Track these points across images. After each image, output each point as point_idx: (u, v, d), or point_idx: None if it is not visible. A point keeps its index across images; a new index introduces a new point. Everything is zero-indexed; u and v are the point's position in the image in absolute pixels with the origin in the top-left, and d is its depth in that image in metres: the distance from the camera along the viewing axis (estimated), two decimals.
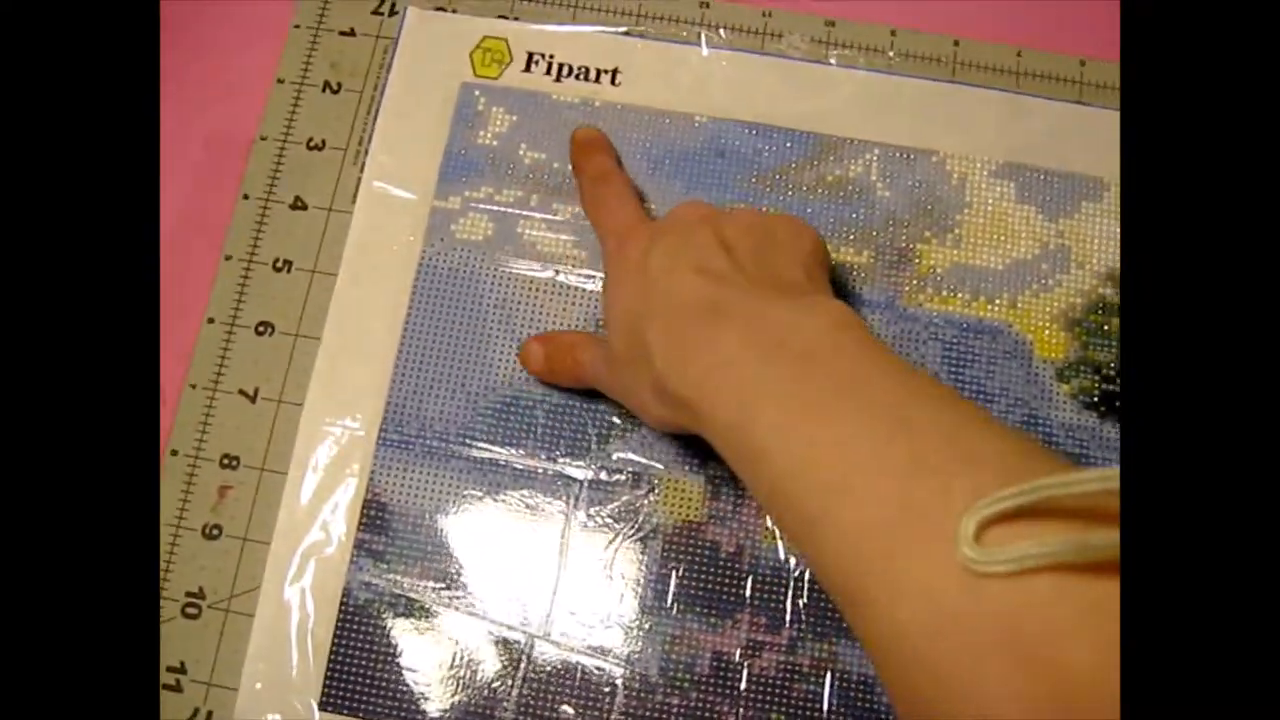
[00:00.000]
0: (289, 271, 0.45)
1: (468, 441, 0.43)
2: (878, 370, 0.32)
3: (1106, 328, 0.44)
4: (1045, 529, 0.25)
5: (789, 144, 0.46)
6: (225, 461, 0.43)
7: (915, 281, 0.45)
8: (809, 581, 0.41)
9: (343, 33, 0.48)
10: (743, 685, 0.40)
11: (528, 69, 0.47)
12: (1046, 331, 0.44)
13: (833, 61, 0.47)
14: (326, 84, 0.47)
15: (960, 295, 0.44)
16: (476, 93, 0.47)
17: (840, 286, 0.44)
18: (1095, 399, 0.43)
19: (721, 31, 0.48)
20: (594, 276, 0.45)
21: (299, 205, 0.46)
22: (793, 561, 0.42)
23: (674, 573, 0.42)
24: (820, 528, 0.29)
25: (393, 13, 0.48)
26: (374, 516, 0.42)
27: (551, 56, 0.47)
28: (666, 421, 0.37)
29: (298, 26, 0.48)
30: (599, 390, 0.42)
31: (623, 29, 0.48)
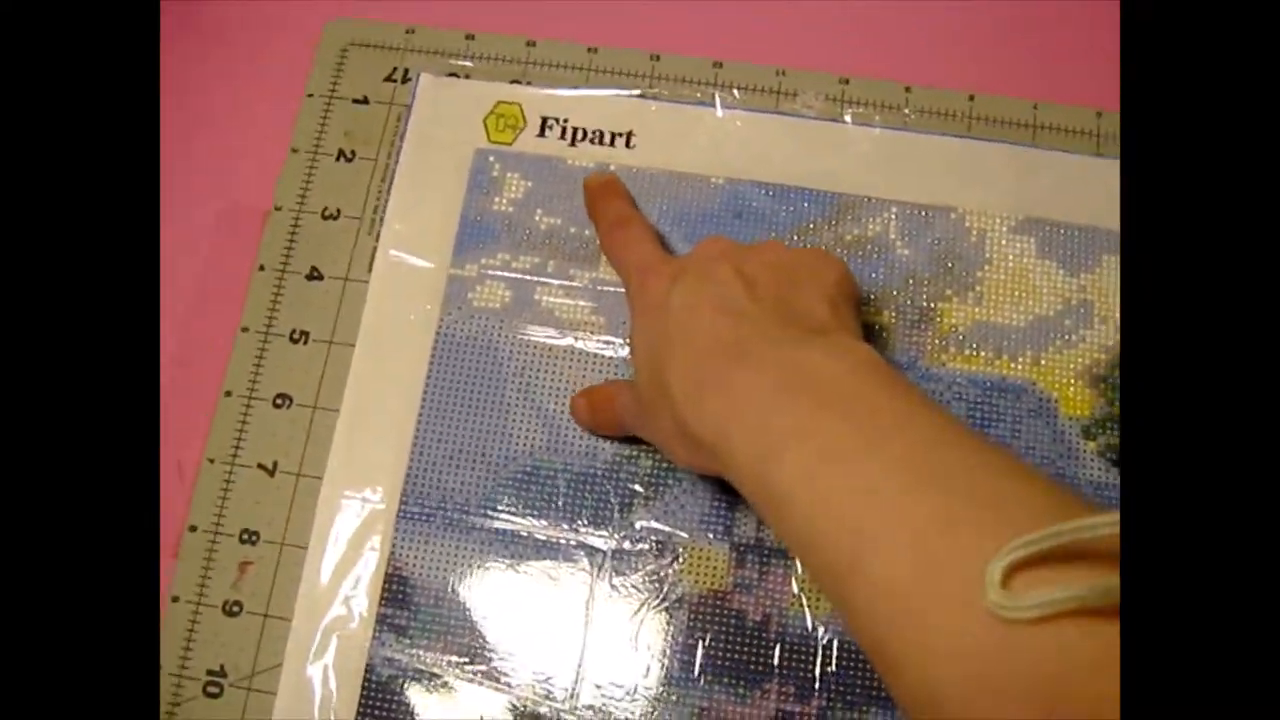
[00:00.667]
0: (306, 343, 0.45)
1: (489, 513, 0.43)
2: (904, 414, 0.31)
3: None
4: (1073, 573, 0.25)
5: (806, 204, 0.46)
6: (245, 537, 0.43)
7: (937, 341, 0.44)
8: (838, 649, 0.41)
9: (356, 100, 0.48)
10: None
11: (542, 134, 0.47)
12: (1071, 389, 0.44)
13: (848, 119, 0.47)
14: (341, 152, 0.47)
15: (983, 354, 0.44)
16: (491, 158, 0.47)
17: None
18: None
19: (735, 91, 0.47)
20: (613, 342, 0.44)
21: (315, 275, 0.46)
22: (820, 630, 0.41)
23: (700, 642, 0.41)
24: (849, 581, 0.29)
25: (405, 79, 0.48)
26: (396, 590, 0.42)
27: (566, 121, 0.47)
28: (692, 462, 0.37)
29: (311, 95, 0.48)
30: (636, 435, 0.42)
31: (637, 91, 0.48)
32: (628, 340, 0.44)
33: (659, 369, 0.36)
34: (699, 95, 0.47)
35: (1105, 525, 0.24)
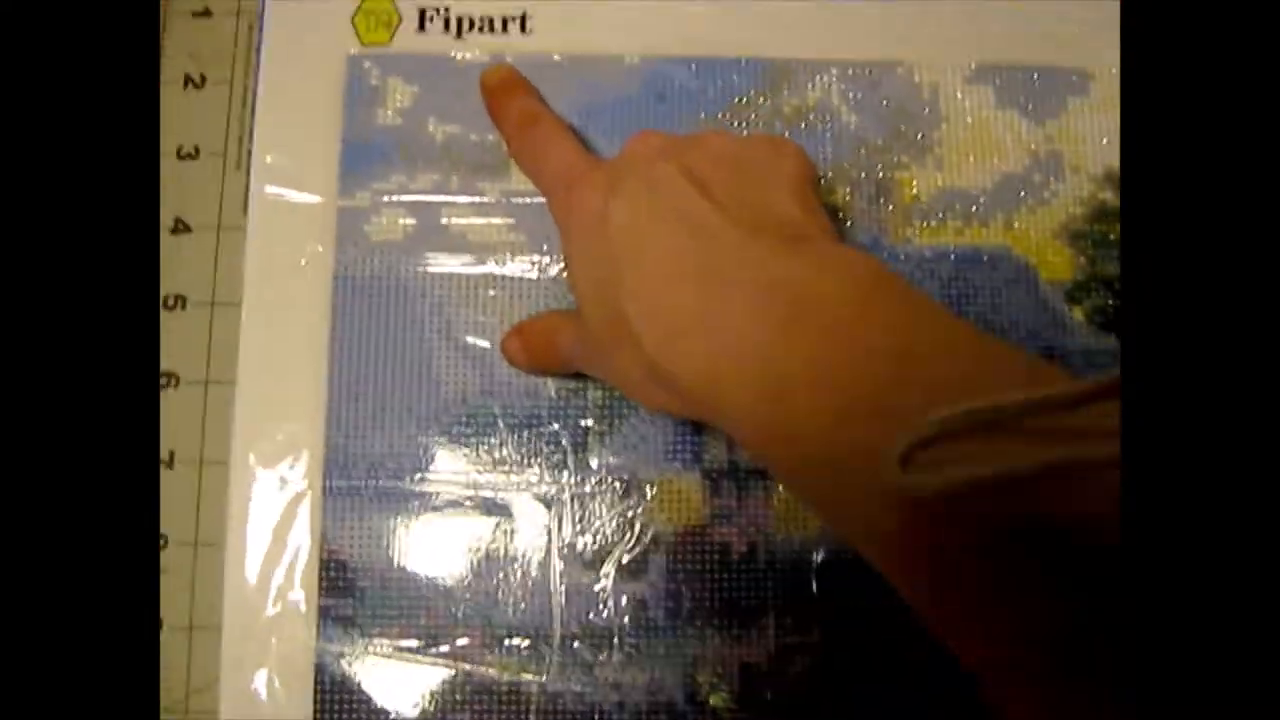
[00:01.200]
0: (183, 308, 0.39)
1: (426, 475, 0.37)
2: (926, 339, 0.26)
3: (1113, 236, 0.40)
4: (990, 448, 0.22)
5: (735, 75, 0.40)
6: None
7: (899, 215, 0.40)
8: (835, 568, 0.37)
9: (196, 14, 0.41)
10: (781, 696, 0.36)
11: (422, 28, 0.41)
12: (1050, 251, 0.40)
13: None
14: (188, 78, 0.40)
15: (951, 223, 0.40)
16: (367, 64, 0.40)
17: None
18: (1111, 317, 0.39)
19: None
20: (538, 262, 0.39)
21: (181, 228, 0.39)
22: (814, 552, 0.37)
23: (683, 585, 0.37)
24: None
25: None
26: (335, 577, 0.37)
27: (447, 9, 0.41)
28: (667, 407, 0.32)
29: None
30: (587, 374, 0.37)
31: None
32: (560, 263, 0.39)
33: (611, 301, 0.30)
34: None
35: (1011, 402, 0.22)
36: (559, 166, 0.35)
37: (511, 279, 0.39)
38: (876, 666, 0.37)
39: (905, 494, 0.23)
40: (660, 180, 0.31)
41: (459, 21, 0.41)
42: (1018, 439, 0.22)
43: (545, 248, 0.39)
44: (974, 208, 0.40)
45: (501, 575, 0.37)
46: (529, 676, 0.36)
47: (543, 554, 0.37)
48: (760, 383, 0.27)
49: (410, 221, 0.39)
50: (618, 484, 0.38)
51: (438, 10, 0.41)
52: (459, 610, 0.37)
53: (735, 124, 0.40)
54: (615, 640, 0.37)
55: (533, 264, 0.39)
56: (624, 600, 0.37)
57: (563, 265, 0.39)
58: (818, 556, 0.37)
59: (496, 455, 0.38)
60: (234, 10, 0.41)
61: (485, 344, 0.38)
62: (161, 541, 0.37)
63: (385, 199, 0.39)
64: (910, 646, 0.36)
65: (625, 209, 0.31)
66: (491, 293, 0.39)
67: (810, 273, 0.27)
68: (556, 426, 0.38)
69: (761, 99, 0.40)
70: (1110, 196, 0.40)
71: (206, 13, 0.41)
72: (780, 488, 0.37)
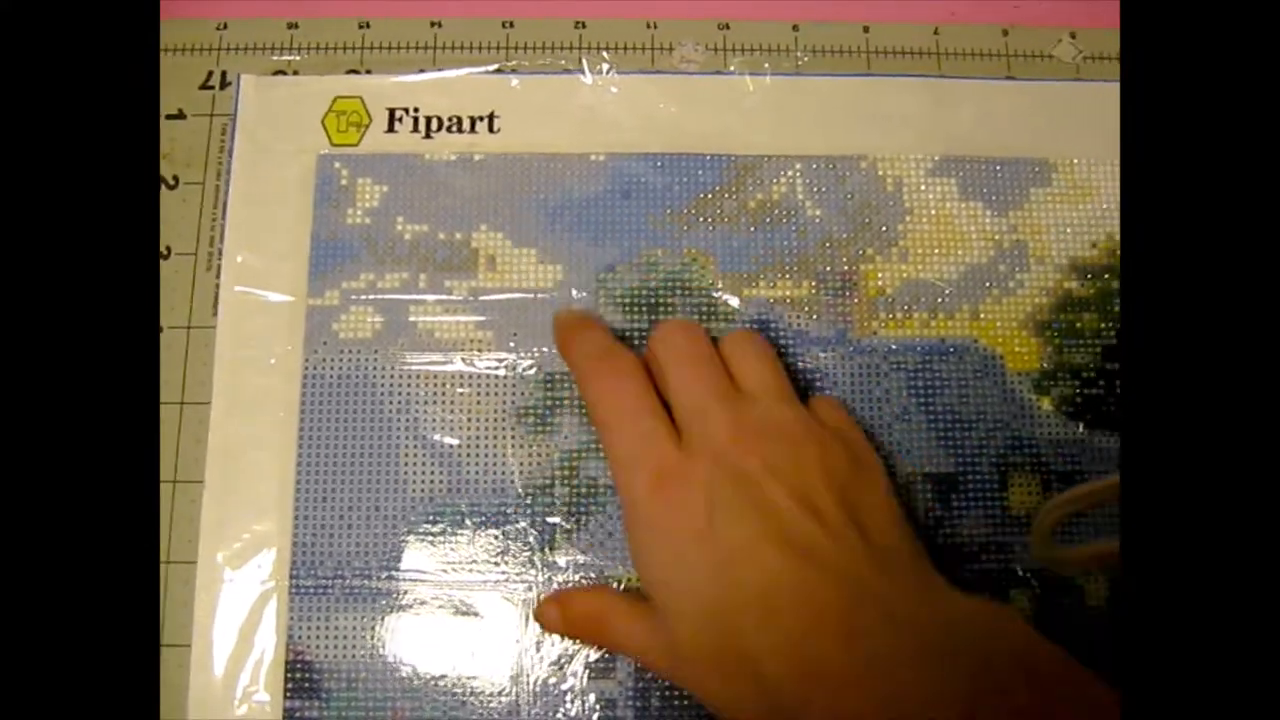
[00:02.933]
0: None
1: (393, 574, 0.37)
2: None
3: (1078, 325, 0.40)
4: None
5: (700, 171, 0.41)
6: None
7: (865, 308, 0.40)
8: None
9: (170, 116, 0.41)
10: None
11: (391, 128, 0.41)
12: (1016, 341, 0.40)
13: (734, 70, 0.42)
14: (160, 179, 0.41)
15: (916, 315, 0.40)
16: (336, 164, 0.41)
17: (784, 326, 0.39)
18: (1079, 406, 0.39)
19: (604, 53, 0.42)
20: (506, 360, 0.39)
21: None
22: None
23: (652, 684, 0.37)
24: None
25: (225, 85, 0.42)
26: (301, 679, 0.36)
27: (416, 110, 0.41)
28: None
29: None
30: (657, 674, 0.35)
31: (493, 67, 0.42)
32: (528, 360, 0.39)
33: (728, 632, 0.29)
34: (564, 63, 0.42)
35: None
36: (642, 444, 0.33)
37: (480, 376, 0.39)
38: None
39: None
40: (771, 504, 0.31)
41: (429, 121, 0.41)
42: None
43: (512, 345, 0.39)
44: (940, 299, 0.40)
45: (469, 675, 0.37)
46: None
47: (511, 653, 0.37)
48: None
49: (379, 320, 0.39)
50: (586, 581, 0.37)
51: (407, 110, 0.41)
52: (426, 711, 0.36)
53: (701, 220, 0.40)
54: None
55: (500, 361, 0.39)
56: (592, 699, 0.37)
57: (529, 364, 0.39)
58: None
59: (464, 554, 0.38)
60: (208, 111, 0.41)
61: (453, 441, 0.38)
62: None
63: (354, 297, 0.39)
64: None
65: (735, 529, 0.30)
66: (460, 390, 0.39)
67: (963, 625, 0.28)
68: (524, 524, 0.38)
69: (727, 194, 0.41)
70: (1075, 285, 0.40)
71: (180, 114, 0.41)
72: None
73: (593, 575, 0.37)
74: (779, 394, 0.34)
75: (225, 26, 0.42)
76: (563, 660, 0.37)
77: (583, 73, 0.42)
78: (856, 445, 0.34)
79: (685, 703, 0.36)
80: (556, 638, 0.37)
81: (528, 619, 0.37)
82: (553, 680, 0.37)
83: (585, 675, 0.37)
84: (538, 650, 0.37)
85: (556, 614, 0.36)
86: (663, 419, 0.34)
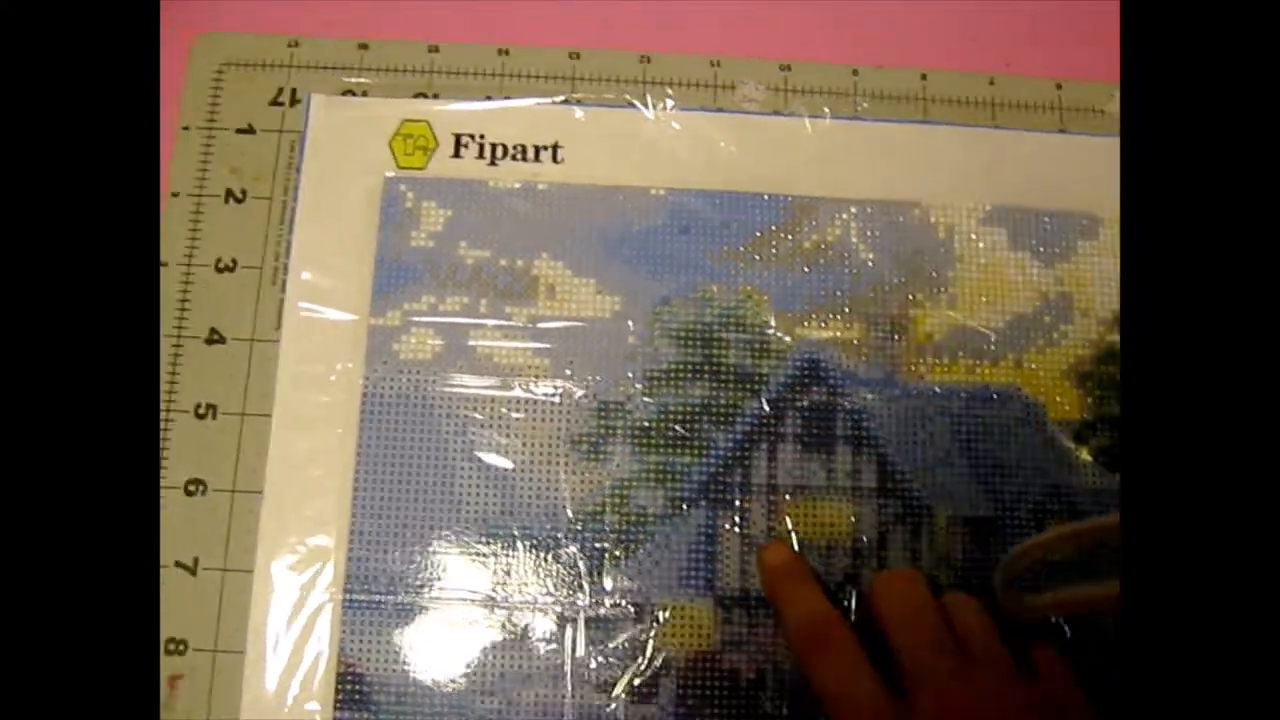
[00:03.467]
0: (214, 417, 0.40)
1: (444, 591, 0.38)
2: None
3: (1119, 377, 0.41)
4: None
5: (757, 210, 0.42)
6: (171, 647, 0.38)
7: (912, 352, 0.41)
8: None
9: (240, 130, 0.42)
10: None
11: (457, 154, 0.42)
12: (1058, 391, 0.41)
13: (794, 111, 0.43)
14: (229, 193, 0.42)
15: (962, 361, 0.41)
16: (402, 187, 0.42)
17: (833, 366, 0.40)
18: (1116, 457, 0.40)
19: (668, 89, 0.43)
20: (562, 387, 0.40)
21: (216, 339, 0.40)
22: None
23: (693, 710, 0.38)
24: None
25: (295, 102, 0.42)
26: (351, 690, 0.37)
27: (482, 137, 0.42)
28: None
29: (186, 128, 0.42)
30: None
31: (559, 98, 0.42)
32: (582, 388, 0.40)
33: None
34: (628, 96, 0.43)
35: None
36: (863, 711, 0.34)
37: (536, 402, 0.40)
38: None
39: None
40: None
41: (494, 149, 0.42)
42: None
43: (569, 372, 0.40)
44: (985, 346, 0.41)
45: (515, 694, 0.38)
46: None
47: (556, 674, 0.38)
48: None
49: (439, 342, 0.40)
50: (631, 607, 0.38)
51: (473, 136, 0.42)
52: None
53: (757, 259, 0.41)
54: None
55: (556, 388, 0.40)
56: None
57: (584, 393, 0.40)
58: None
59: (514, 575, 0.39)
60: (277, 127, 0.42)
61: (508, 465, 0.39)
62: (181, 647, 0.38)
63: (415, 319, 0.40)
64: None
65: None
66: (516, 415, 0.40)
67: None
68: (574, 549, 0.39)
69: (782, 234, 0.42)
70: (1117, 339, 0.41)
71: (250, 129, 0.42)
72: None
73: (639, 601, 0.38)
74: (1005, 666, 0.35)
75: (297, 44, 0.43)
76: (607, 683, 0.38)
77: (646, 107, 0.42)
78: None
79: None
80: (598, 659, 0.38)
81: (574, 641, 0.38)
82: (597, 702, 0.38)
83: (627, 699, 0.38)
84: (582, 672, 0.38)
85: (807, 630, 0.36)
86: (879, 688, 0.34)
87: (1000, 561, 0.37)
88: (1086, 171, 0.43)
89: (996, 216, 0.42)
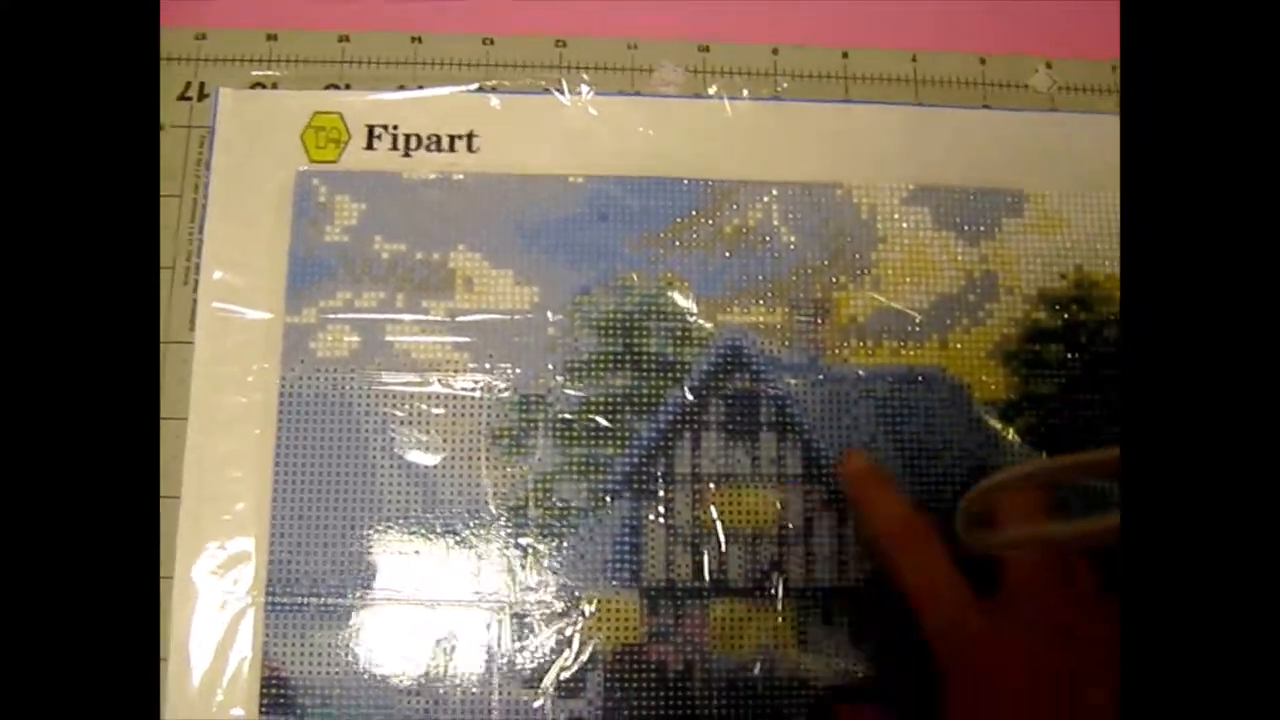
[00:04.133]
0: None
1: (367, 592, 0.38)
2: None
3: (1045, 356, 0.41)
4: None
5: (677, 196, 0.41)
6: None
7: (837, 335, 0.40)
8: (772, 687, 0.38)
9: None
10: None
11: (370, 145, 0.41)
12: (983, 371, 0.40)
13: (713, 93, 0.42)
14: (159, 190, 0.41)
15: (887, 344, 0.40)
16: (315, 181, 0.41)
17: (756, 352, 0.40)
18: (1043, 436, 0.40)
19: (584, 73, 0.42)
20: (481, 381, 0.39)
21: None
22: (753, 667, 0.38)
23: (621, 703, 0.37)
24: None
25: (203, 96, 0.41)
26: (276, 695, 0.37)
27: (396, 128, 0.41)
28: None
29: None
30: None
31: (473, 85, 0.42)
32: (503, 383, 0.39)
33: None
34: (544, 82, 0.42)
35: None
36: (948, 613, 0.34)
37: (456, 397, 0.39)
38: None
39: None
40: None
41: (408, 139, 0.41)
42: None
43: (489, 366, 0.39)
44: (910, 328, 0.41)
45: (442, 692, 0.37)
46: None
47: (482, 671, 0.38)
48: None
49: (356, 339, 0.40)
50: (557, 601, 0.38)
51: (386, 127, 0.41)
52: None
53: (678, 244, 0.41)
54: None
55: (476, 383, 0.39)
56: (563, 718, 0.37)
57: (504, 386, 0.39)
58: (753, 673, 0.38)
59: (438, 573, 0.38)
60: (185, 123, 0.41)
61: (429, 461, 0.39)
62: None
63: (331, 316, 0.40)
64: None
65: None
66: (436, 411, 0.39)
67: None
68: (498, 545, 0.38)
69: (703, 219, 0.41)
70: (1043, 317, 0.41)
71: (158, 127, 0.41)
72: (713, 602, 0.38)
73: (564, 595, 0.38)
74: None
75: (204, 37, 0.42)
76: (534, 678, 0.38)
77: (562, 93, 0.42)
78: None
79: None
80: (525, 654, 0.37)
81: (500, 637, 0.38)
82: (524, 698, 0.37)
83: (555, 694, 0.37)
84: (509, 669, 0.38)
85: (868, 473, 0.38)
86: (965, 582, 0.34)
87: (961, 503, 0.36)
88: (1011, 148, 0.42)
89: (920, 195, 0.42)
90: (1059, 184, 0.42)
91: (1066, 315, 0.41)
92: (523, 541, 0.38)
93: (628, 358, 0.40)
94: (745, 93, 0.42)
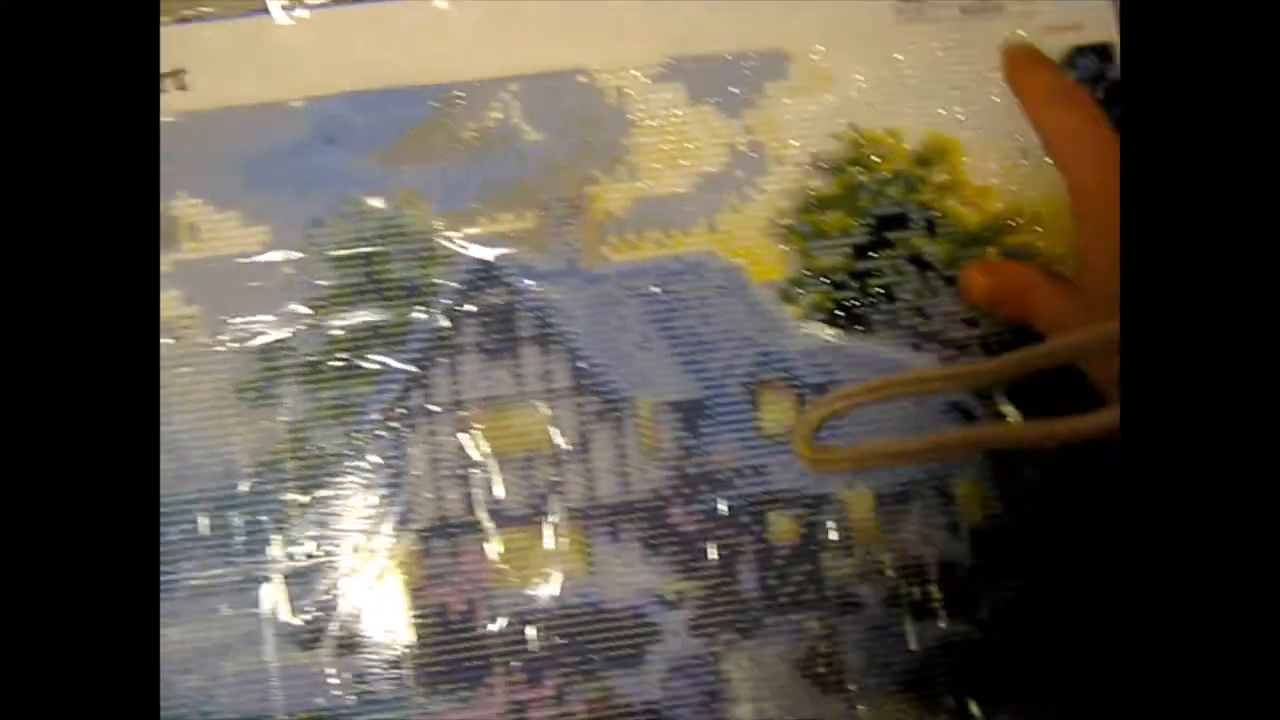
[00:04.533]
0: None
1: None
2: None
3: (825, 225, 0.38)
4: None
5: (405, 106, 0.38)
6: None
7: (594, 234, 0.37)
8: (564, 614, 0.35)
9: None
10: None
11: None
12: (758, 250, 0.38)
13: None
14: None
15: (650, 235, 0.37)
16: None
17: (509, 263, 0.37)
18: (830, 312, 0.37)
19: None
20: (217, 335, 0.37)
21: None
22: (543, 593, 0.36)
23: (403, 653, 0.35)
24: None
25: None
26: None
27: None
28: None
29: None
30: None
31: (174, 18, 0.38)
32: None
33: None
34: (252, 3, 0.38)
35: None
36: (1100, 171, 0.33)
37: (193, 355, 0.37)
38: (617, 707, 0.35)
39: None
40: None
41: None
42: None
43: (223, 318, 0.37)
44: (673, 215, 0.38)
45: (215, 667, 0.35)
46: None
47: (255, 639, 0.35)
48: None
49: None
50: (327, 554, 0.36)
51: None
52: (176, 707, 0.35)
53: (414, 157, 0.38)
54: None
55: (213, 337, 0.37)
56: (346, 676, 0.35)
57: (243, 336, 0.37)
58: (546, 603, 0.36)
59: (196, 543, 0.36)
60: None
61: (173, 427, 0.36)
62: None
63: None
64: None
65: None
66: (182, 370, 0.37)
67: None
68: (256, 505, 0.36)
69: (436, 128, 0.38)
70: (819, 183, 0.38)
71: None
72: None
73: (333, 548, 0.36)
74: None
75: None
76: (311, 639, 0.35)
77: (271, 11, 0.38)
78: None
79: (441, 667, 0.35)
80: (300, 615, 0.35)
81: (274, 601, 0.35)
82: (304, 660, 0.35)
83: (335, 653, 0.35)
84: (284, 633, 0.35)
85: (985, 283, 0.36)
86: (1115, 143, 0.33)
87: (797, 423, 0.34)
88: (769, 5, 0.39)
89: (671, 71, 0.38)
90: (824, 38, 0.39)
91: (844, 178, 0.38)
92: (284, 498, 0.36)
93: (370, 288, 0.37)
94: None
